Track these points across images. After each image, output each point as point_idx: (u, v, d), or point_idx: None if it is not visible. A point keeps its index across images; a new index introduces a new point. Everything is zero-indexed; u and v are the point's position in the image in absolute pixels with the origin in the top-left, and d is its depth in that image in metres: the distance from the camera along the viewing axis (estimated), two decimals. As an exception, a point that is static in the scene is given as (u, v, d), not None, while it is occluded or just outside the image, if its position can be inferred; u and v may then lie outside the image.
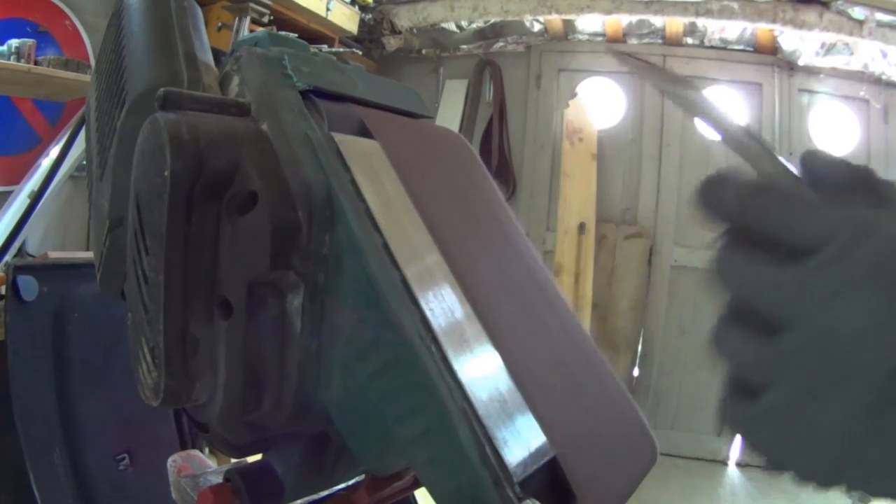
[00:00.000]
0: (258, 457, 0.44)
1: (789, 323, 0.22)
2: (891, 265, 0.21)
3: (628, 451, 0.36)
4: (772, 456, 0.24)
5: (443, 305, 0.36)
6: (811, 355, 0.22)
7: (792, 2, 2.70)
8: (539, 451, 0.33)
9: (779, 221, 0.23)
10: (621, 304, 3.23)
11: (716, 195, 0.25)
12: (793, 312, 0.22)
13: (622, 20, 3.13)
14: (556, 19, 3.23)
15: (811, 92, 3.09)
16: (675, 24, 3.06)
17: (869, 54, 2.82)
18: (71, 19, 2.23)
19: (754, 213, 0.24)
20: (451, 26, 3.43)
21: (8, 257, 1.38)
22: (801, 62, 3.02)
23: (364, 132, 0.41)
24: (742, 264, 0.24)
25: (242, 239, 0.34)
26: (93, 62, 2.07)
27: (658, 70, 0.34)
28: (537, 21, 3.30)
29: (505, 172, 3.45)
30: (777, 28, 2.81)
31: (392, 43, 3.44)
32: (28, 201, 1.46)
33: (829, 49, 2.91)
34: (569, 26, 3.33)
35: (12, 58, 1.83)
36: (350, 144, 0.39)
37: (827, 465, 0.23)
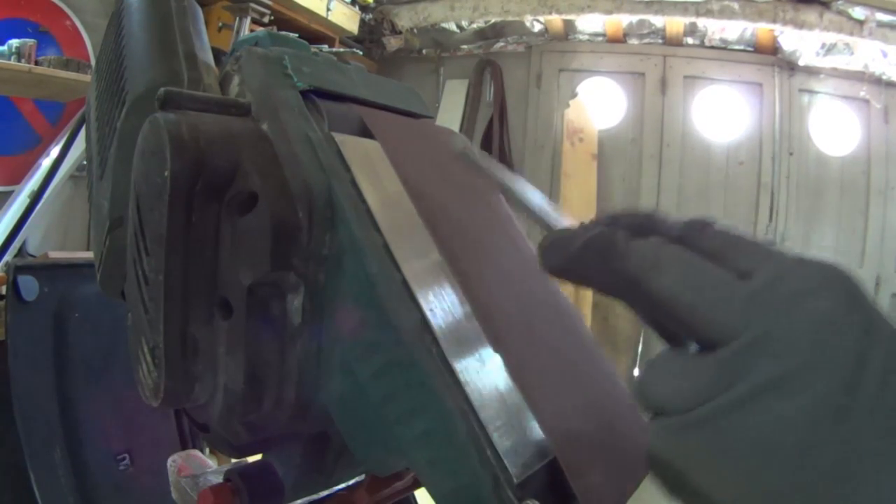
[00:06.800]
0: (258, 457, 0.44)
1: (746, 325, 0.22)
2: (835, 275, 0.22)
3: (629, 451, 0.36)
4: (699, 478, 0.22)
5: (443, 306, 0.36)
6: (773, 350, 0.21)
7: (792, 2, 2.70)
8: (539, 452, 0.33)
9: (723, 246, 0.25)
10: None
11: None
12: (749, 318, 0.22)
13: (622, 20, 3.13)
14: (556, 19, 3.22)
15: (811, 92, 3.09)
16: (675, 24, 3.06)
17: (869, 54, 2.82)
18: (71, 19, 2.23)
19: (707, 240, 0.26)
20: (452, 26, 3.43)
21: (8, 257, 1.38)
22: (801, 62, 3.02)
23: (364, 132, 0.41)
24: (699, 273, 0.24)
25: (243, 239, 0.34)
26: (93, 62, 2.07)
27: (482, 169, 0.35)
28: (537, 21, 3.30)
29: (505, 172, 3.44)
30: (777, 28, 2.81)
31: (392, 43, 3.45)
32: (28, 201, 1.46)
33: (829, 49, 2.91)
34: (569, 26, 3.33)
35: (13, 58, 1.83)
36: (350, 144, 0.39)
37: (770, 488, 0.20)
